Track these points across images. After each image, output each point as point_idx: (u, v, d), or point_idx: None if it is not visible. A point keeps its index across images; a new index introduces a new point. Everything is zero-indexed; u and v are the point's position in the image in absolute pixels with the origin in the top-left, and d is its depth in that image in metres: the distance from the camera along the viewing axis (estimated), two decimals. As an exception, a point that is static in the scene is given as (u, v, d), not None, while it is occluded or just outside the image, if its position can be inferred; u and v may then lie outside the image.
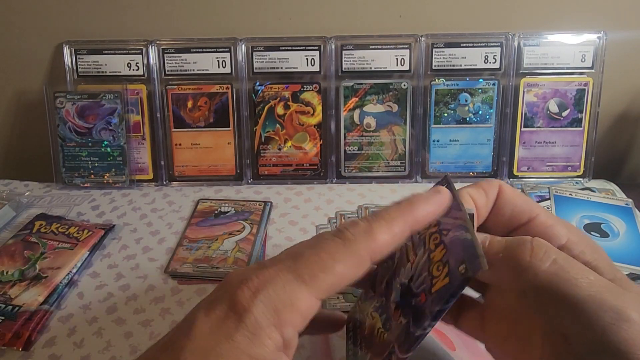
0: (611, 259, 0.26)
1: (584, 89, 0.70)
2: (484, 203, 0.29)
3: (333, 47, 0.71)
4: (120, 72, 0.73)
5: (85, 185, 0.73)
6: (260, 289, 0.23)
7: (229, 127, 0.73)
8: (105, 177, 0.73)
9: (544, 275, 0.24)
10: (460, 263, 0.23)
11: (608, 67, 0.70)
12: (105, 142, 0.72)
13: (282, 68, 0.72)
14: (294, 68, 0.72)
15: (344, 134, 0.73)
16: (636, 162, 0.81)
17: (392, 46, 0.71)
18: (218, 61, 0.72)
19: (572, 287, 0.23)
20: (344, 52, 0.71)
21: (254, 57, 0.72)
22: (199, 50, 0.72)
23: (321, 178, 0.74)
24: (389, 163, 0.73)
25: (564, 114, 0.71)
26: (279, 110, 0.73)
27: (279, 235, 0.62)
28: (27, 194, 0.71)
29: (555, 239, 0.26)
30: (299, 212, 0.67)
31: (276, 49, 0.72)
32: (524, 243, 0.25)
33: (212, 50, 0.72)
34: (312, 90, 0.72)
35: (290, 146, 0.74)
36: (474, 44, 0.71)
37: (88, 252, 0.58)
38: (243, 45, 0.72)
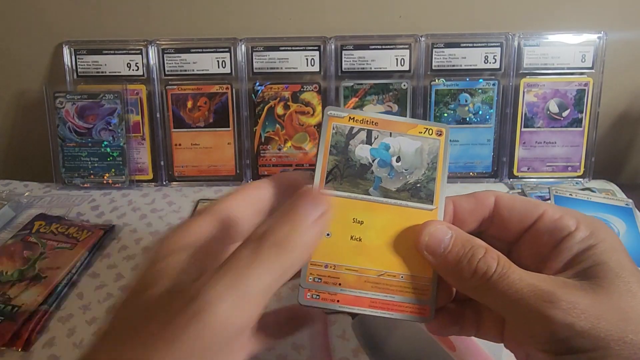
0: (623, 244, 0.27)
1: (584, 89, 0.70)
2: (470, 208, 0.30)
3: (333, 47, 0.71)
4: (120, 72, 0.73)
5: (85, 185, 0.73)
6: None
7: (228, 127, 0.73)
8: (105, 177, 0.73)
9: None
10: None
11: (608, 67, 0.70)
12: (105, 142, 0.72)
13: (282, 68, 0.72)
14: (294, 68, 0.72)
15: (344, 134, 0.73)
16: (636, 162, 0.81)
17: (392, 46, 0.71)
18: (218, 61, 0.72)
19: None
20: (344, 52, 0.71)
21: (253, 57, 0.72)
22: (199, 50, 0.72)
23: (321, 178, 0.74)
24: (389, 163, 0.73)
25: (564, 114, 0.71)
26: (279, 110, 0.73)
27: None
28: (26, 194, 0.71)
29: (565, 229, 0.27)
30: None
31: (276, 49, 0.72)
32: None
33: (212, 50, 0.72)
34: (312, 90, 0.72)
35: (290, 146, 0.73)
36: (474, 44, 0.70)
37: (88, 253, 0.58)
38: (243, 45, 0.72)
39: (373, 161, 0.31)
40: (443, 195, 0.31)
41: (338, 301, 0.29)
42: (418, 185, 0.31)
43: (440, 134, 0.31)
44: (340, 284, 0.30)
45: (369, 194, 0.30)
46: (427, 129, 0.31)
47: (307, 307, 0.29)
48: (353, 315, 0.40)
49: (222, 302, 0.20)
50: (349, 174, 0.31)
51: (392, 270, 0.30)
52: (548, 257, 0.27)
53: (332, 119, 0.31)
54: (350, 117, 0.31)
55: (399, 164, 0.31)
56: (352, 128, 0.31)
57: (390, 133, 0.31)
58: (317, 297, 0.29)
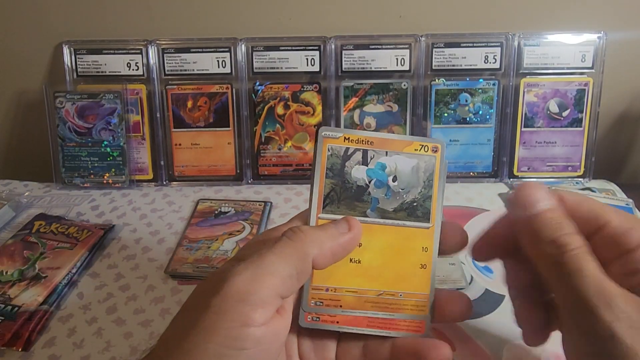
0: None
1: (584, 89, 0.70)
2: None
3: (333, 47, 0.71)
4: (120, 72, 0.73)
5: (85, 185, 0.73)
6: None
7: (228, 127, 0.73)
8: (105, 177, 0.73)
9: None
10: None
11: (608, 67, 0.70)
12: (105, 142, 0.72)
13: (282, 68, 0.72)
14: (294, 68, 0.72)
15: (344, 134, 0.73)
16: (636, 162, 0.81)
17: (392, 46, 0.71)
18: (218, 61, 0.72)
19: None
20: (344, 52, 0.71)
21: (253, 57, 0.72)
22: (199, 50, 0.72)
23: (321, 178, 0.74)
24: (389, 163, 0.73)
25: (564, 114, 0.71)
26: (279, 110, 0.73)
27: (279, 236, 0.62)
28: (26, 194, 0.71)
29: (626, 246, 0.26)
30: (299, 212, 0.67)
31: (276, 49, 0.72)
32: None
33: (212, 50, 0.72)
34: (312, 90, 0.72)
35: (290, 146, 0.74)
36: (474, 44, 0.70)
37: (88, 252, 0.57)
38: (243, 45, 0.72)
39: (370, 182, 0.31)
40: (440, 213, 0.30)
41: (337, 322, 0.30)
42: (414, 204, 0.30)
43: (436, 150, 0.31)
44: (341, 306, 0.30)
45: (367, 216, 0.30)
46: (422, 145, 0.31)
47: (307, 329, 0.30)
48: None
49: (239, 276, 0.25)
50: (346, 196, 0.30)
51: (391, 289, 0.30)
52: (610, 263, 0.26)
53: (326, 140, 0.31)
54: (345, 137, 0.31)
55: (396, 183, 0.31)
56: (347, 149, 0.31)
57: (387, 152, 0.31)
58: (317, 319, 0.30)
